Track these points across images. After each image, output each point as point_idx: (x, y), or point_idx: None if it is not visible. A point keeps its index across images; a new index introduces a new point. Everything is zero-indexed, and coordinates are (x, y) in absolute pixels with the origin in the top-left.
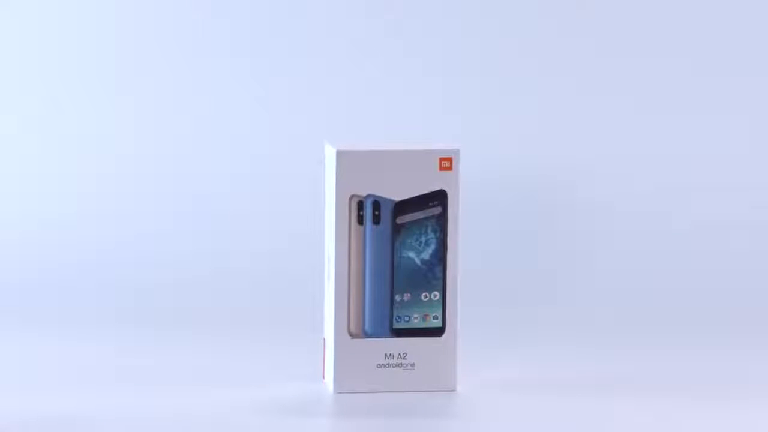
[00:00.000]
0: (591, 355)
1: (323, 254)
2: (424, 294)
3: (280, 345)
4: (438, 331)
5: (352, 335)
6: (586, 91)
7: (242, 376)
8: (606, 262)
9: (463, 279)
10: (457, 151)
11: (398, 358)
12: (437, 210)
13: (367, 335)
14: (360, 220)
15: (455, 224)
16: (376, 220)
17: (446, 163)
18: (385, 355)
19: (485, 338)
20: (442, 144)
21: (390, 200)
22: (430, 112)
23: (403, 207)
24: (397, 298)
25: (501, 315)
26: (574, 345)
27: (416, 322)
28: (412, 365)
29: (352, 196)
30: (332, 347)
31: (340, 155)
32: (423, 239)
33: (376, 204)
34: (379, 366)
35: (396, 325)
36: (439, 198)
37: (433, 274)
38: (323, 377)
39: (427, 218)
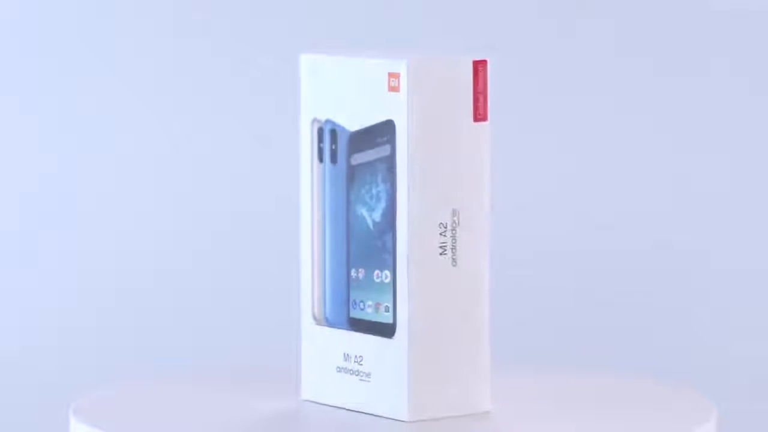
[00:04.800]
0: None
1: None
2: (376, 272)
3: None
4: (388, 330)
5: (316, 320)
6: None
7: None
8: None
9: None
10: (405, 65)
11: (354, 361)
12: (386, 150)
13: (327, 323)
14: (320, 156)
15: (409, 172)
16: (333, 157)
17: (394, 81)
18: (344, 355)
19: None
20: (391, 53)
21: (347, 130)
22: None
23: (357, 141)
24: (353, 273)
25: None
26: None
27: (370, 311)
28: (368, 375)
29: (314, 120)
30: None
31: (306, 61)
32: (374, 191)
33: (333, 134)
34: (339, 370)
35: (352, 313)
36: (387, 132)
37: (383, 244)
38: None
39: (378, 160)
